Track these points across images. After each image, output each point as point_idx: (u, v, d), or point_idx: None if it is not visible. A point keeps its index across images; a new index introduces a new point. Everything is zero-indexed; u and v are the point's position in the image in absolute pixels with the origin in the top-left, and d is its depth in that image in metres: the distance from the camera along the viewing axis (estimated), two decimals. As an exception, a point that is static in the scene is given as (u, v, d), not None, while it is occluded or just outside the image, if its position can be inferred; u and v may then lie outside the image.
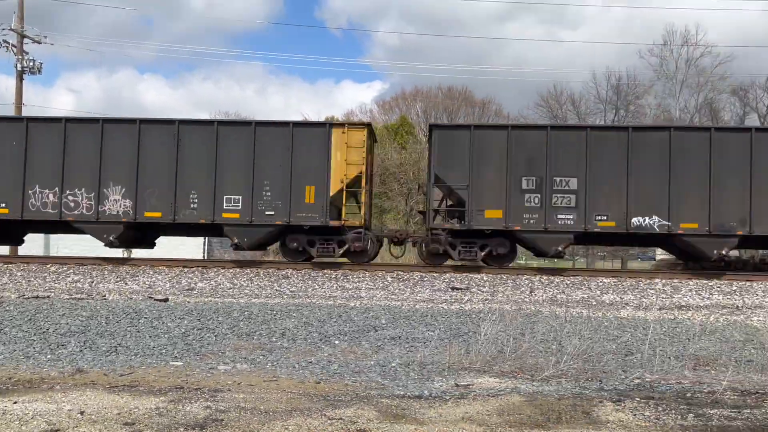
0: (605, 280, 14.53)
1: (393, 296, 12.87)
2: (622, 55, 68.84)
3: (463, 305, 11.66)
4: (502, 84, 72.92)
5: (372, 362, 7.52)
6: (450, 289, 13.64)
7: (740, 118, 41.24)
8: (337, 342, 8.66)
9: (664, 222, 15.00)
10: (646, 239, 16.62)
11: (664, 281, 14.47)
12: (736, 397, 6.33)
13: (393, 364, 7.41)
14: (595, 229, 15.10)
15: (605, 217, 15.10)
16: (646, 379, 7.00)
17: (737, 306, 12.15)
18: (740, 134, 15.50)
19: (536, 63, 68.95)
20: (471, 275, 15.05)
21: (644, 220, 15.05)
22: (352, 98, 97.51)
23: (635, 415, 5.60)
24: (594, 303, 12.33)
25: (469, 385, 6.55)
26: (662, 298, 12.96)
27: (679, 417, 5.55)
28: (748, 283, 14.24)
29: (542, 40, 74.08)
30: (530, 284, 14.07)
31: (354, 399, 5.93)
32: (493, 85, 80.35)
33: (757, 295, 13.20)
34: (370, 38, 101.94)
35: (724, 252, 14.96)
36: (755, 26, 61.99)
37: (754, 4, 62.93)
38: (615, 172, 15.17)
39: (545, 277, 14.84)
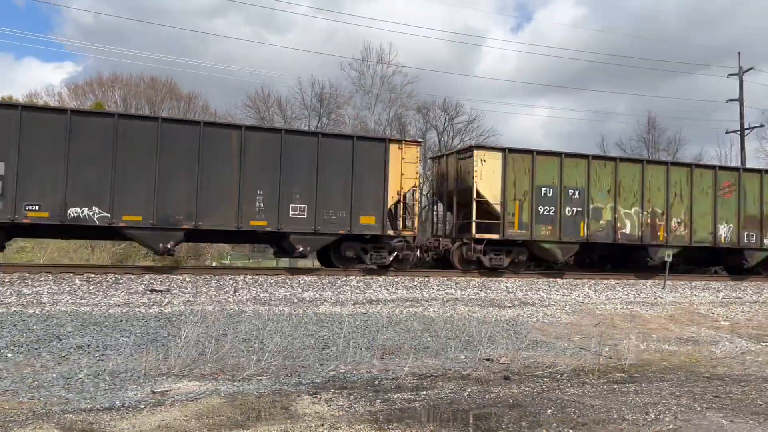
0: (306, 278, 15.16)
1: (82, 301, 11.70)
2: (326, 65, 72.85)
3: (162, 308, 11.11)
4: (209, 80, 71.44)
5: (54, 375, 6.72)
6: (149, 292, 12.90)
7: (423, 133, 46.58)
8: (10, 355, 7.56)
9: (105, 214, 14.20)
10: (87, 232, 15.43)
11: (357, 278, 15.62)
12: (415, 380, 7.09)
13: (80, 376, 6.72)
14: (25, 220, 13.67)
15: (38, 207, 13.73)
16: (341, 371, 7.45)
17: (417, 299, 13.66)
18: (190, 127, 15.36)
19: (244, 63, 69.10)
20: (172, 276, 14.43)
21: (83, 212, 14.09)
22: (37, 78, 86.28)
23: (330, 405, 5.91)
24: (295, 300, 12.76)
25: (166, 391, 6.25)
26: (356, 293, 13.96)
27: (368, 404, 6.01)
28: (427, 279, 16.14)
29: (251, 41, 74.53)
30: (234, 284, 14.01)
31: (30, 418, 5.23)
32: (200, 80, 78.29)
33: (433, 288, 15.01)
34: (59, 13, 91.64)
35: (170, 246, 14.77)
36: (437, 53, 70.71)
37: (437, 33, 71.80)
38: (51, 158, 13.84)
39: (249, 277, 14.92)
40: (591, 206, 18.05)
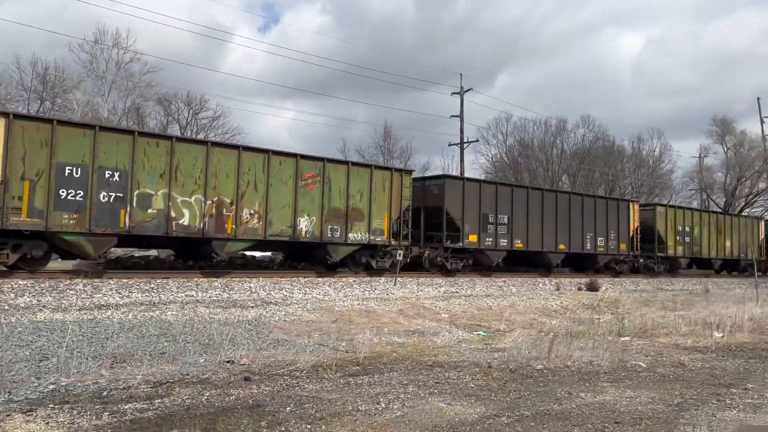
0: (21, 282, 13.40)
1: None
2: (51, 44, 65.21)
3: None
4: None
5: None
6: None
7: (164, 126, 44.30)
8: None
9: None
10: None
11: (85, 281, 14.24)
12: (149, 389, 6.66)
13: None
14: None
15: None
16: (62, 384, 6.71)
17: (154, 302, 12.90)
18: None
19: (-54, 32, 58.74)
20: None
21: None
22: None
23: (48, 423, 5.28)
24: (6, 307, 11.20)
25: None
26: (83, 298, 12.73)
27: (95, 417, 5.50)
28: (165, 281, 15.32)
29: (-44, 7, 63.63)
30: (-75, 290, 11.83)
31: None
32: None
33: (172, 291, 14.31)
34: None
35: None
36: (181, 44, 67.78)
37: (181, 24, 68.85)
38: None
39: (-54, 281, 12.73)
40: (137, 192, 15.30)
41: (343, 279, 18.63)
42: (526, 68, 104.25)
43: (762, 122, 56.57)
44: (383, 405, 6.27)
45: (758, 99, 57.81)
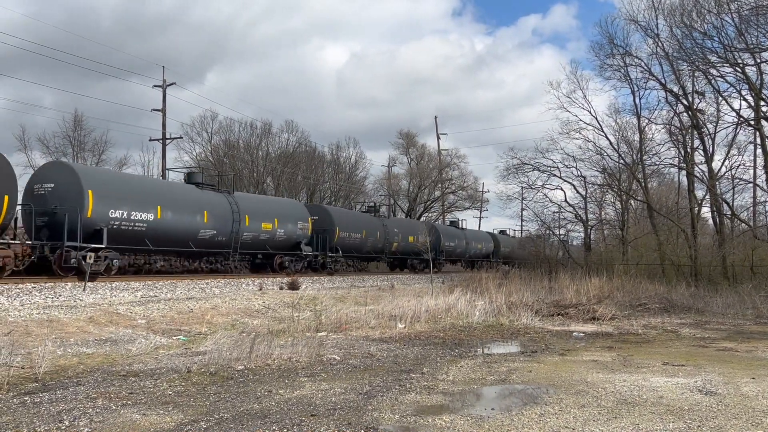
0: None
1: None
2: None
3: None
4: None
5: None
6: None
7: None
8: None
9: None
10: None
11: None
12: None
13: None
14: None
15: None
16: None
17: None
18: None
19: None
20: None
21: None
22: None
23: None
24: None
25: None
26: None
27: None
28: None
29: None
30: None
31: None
32: None
33: None
34: None
35: None
36: None
37: None
38: None
39: None
40: None
41: (21, 285, 16.40)
42: (235, 69, 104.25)
43: (438, 138, 64.55)
44: (67, 423, 5.66)
45: (435, 117, 65.96)
